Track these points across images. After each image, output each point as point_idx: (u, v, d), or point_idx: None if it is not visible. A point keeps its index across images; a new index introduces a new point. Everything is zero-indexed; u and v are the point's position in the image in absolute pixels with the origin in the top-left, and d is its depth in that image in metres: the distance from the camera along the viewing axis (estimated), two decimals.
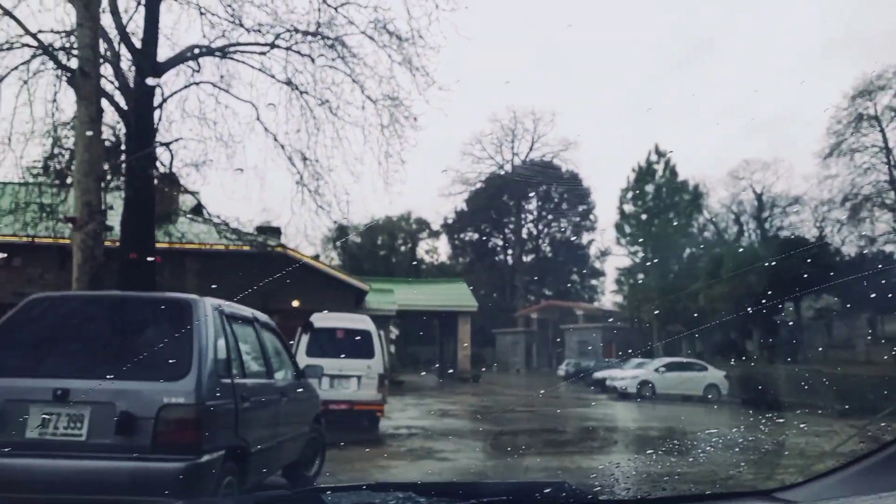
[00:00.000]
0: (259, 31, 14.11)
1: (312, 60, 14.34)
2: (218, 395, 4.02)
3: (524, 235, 54.99)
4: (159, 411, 3.65)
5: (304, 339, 10.93)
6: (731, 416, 17.18)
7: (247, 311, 5.22)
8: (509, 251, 55.78)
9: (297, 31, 14.16)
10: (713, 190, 42.57)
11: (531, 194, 54.19)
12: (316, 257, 25.29)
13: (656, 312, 30.68)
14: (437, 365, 34.60)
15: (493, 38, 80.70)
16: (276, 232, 22.12)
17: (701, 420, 15.37)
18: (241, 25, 13.99)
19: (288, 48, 14.28)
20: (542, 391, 24.31)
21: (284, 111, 15.38)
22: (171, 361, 3.86)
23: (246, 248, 16.35)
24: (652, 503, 1.39)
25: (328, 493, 1.60)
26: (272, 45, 14.22)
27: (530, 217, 55.79)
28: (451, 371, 30.25)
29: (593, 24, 77.54)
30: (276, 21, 13.98)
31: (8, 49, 11.92)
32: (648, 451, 8.78)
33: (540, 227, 55.59)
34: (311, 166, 14.69)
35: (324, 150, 14.73)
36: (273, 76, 14.48)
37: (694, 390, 21.83)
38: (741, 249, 34.11)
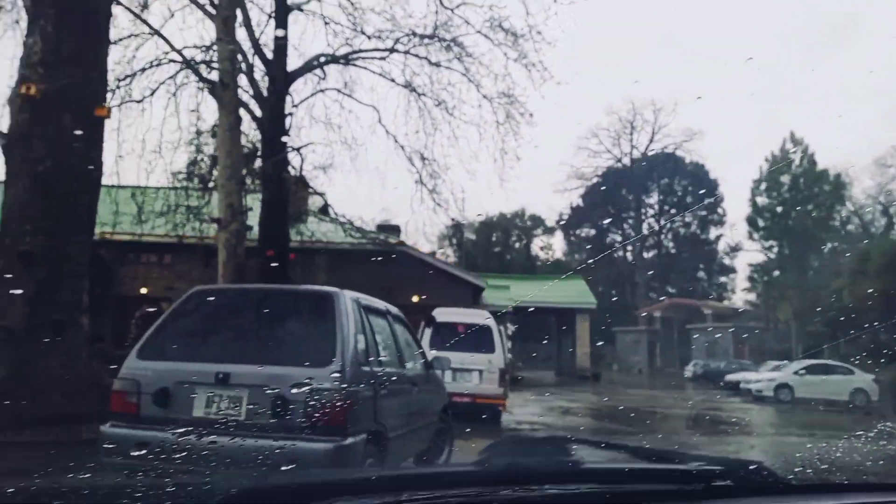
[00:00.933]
0: (379, 37, 14.61)
1: (430, 62, 14.64)
2: (359, 381, 4.20)
3: (644, 231, 53.10)
4: (308, 395, 3.87)
5: (427, 332, 11.18)
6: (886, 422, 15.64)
7: (380, 304, 5.42)
8: (629, 247, 54.05)
9: (414, 34, 14.52)
10: (857, 179, 38.95)
11: (652, 188, 52.18)
12: (433, 254, 25.77)
13: (795, 312, 28.53)
14: (554, 362, 34.17)
15: (609, 28, 78.41)
16: (395, 230, 22.79)
17: (851, 426, 14.15)
18: (363, 33, 14.56)
19: (406, 52, 14.67)
20: (671, 392, 23.36)
21: (404, 113, 15.78)
22: (317, 348, 4.09)
23: (369, 245, 17.00)
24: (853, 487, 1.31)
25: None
26: (391, 50, 14.65)
27: (651, 212, 53.76)
28: (569, 369, 29.80)
29: (718, 4, 73.33)
30: (395, 26, 14.41)
31: (157, 65, 13.13)
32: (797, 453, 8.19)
33: (662, 221, 53.41)
34: (429, 165, 15.03)
35: (441, 149, 15.04)
36: (392, 80, 14.94)
37: (838, 395, 20.17)
38: (892, 243, 31.00)
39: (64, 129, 7.55)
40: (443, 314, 12.10)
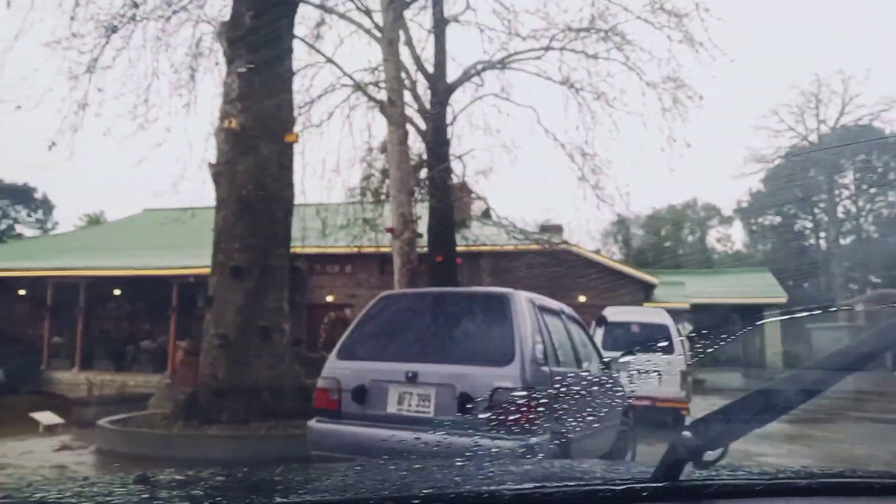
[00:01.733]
0: (534, 37, 14.59)
1: (587, 55, 14.36)
2: (539, 380, 4.26)
3: (840, 214, 47.61)
4: (492, 393, 4.00)
5: (599, 332, 10.95)
6: None
7: (554, 304, 5.43)
8: (821, 234, 48.77)
9: (570, 29, 14.31)
10: None
11: (846, 166, 46.67)
12: (597, 252, 25.16)
13: None
14: (741, 363, 31.72)
15: None
16: (557, 229, 22.57)
17: None
18: (518, 35, 14.64)
19: (562, 48, 14.50)
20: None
21: (562, 110, 15.61)
22: (496, 348, 4.21)
23: (532, 246, 17.02)
24: None
25: None
26: (547, 49, 14.57)
27: (846, 192, 48.09)
28: (758, 371, 27.49)
29: None
30: (550, 24, 14.31)
31: (331, 91, 14.25)
32: None
33: (860, 203, 47.56)
34: (590, 161, 14.70)
35: (602, 143, 14.68)
36: (549, 78, 14.85)
37: None
38: None
39: (261, 156, 8.49)
40: (615, 314, 11.78)
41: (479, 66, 15.11)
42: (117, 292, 21.18)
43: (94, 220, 39.85)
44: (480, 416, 4.02)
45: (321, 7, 13.25)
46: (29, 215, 44.64)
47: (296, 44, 11.24)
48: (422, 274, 12.76)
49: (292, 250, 15.12)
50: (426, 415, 4.18)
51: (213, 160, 8.89)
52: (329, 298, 21.04)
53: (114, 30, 11.10)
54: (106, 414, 8.76)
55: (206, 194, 11.05)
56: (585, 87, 14.48)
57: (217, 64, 11.04)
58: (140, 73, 11.47)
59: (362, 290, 19.73)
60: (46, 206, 44.99)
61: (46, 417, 9.47)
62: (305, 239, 15.59)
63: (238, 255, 8.27)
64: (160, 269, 18.67)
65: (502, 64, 15.17)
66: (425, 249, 14.36)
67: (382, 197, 15.86)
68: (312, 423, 4.66)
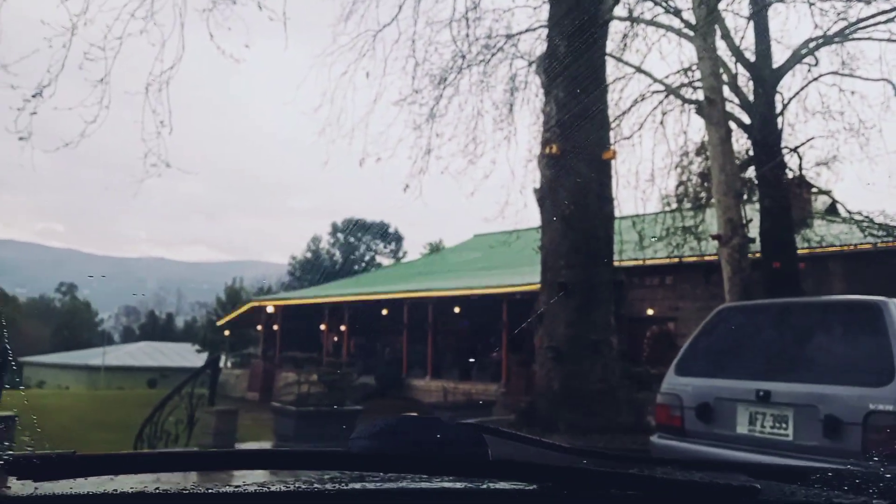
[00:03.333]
0: None
1: None
2: None
3: None
4: (866, 417, 3.51)
5: None
6: None
7: None
8: None
9: None
10: None
11: None
12: None
13: None
14: None
15: None
16: None
17: None
18: (861, 0, 12.57)
19: None
20: None
21: None
22: (869, 366, 3.68)
23: None
24: None
25: None
26: None
27: None
28: None
29: None
30: None
31: (640, 100, 14.01)
32: None
33: None
34: None
35: None
36: None
37: None
38: None
39: (581, 176, 8.82)
40: None
41: (812, 44, 13.36)
42: (456, 310, 23.75)
43: (435, 248, 45.47)
44: (852, 442, 3.56)
45: (629, 19, 13.22)
46: (385, 247, 53.12)
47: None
48: (756, 283, 11.68)
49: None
50: (783, 438, 3.84)
51: (537, 185, 9.51)
52: (650, 312, 20.48)
53: (445, 81, 12.70)
54: (458, 417, 9.90)
55: (528, 217, 11.91)
56: None
57: (537, 95, 11.80)
58: (467, 115, 12.88)
59: (686, 302, 18.76)
60: (398, 238, 53.04)
61: None
62: (623, 252, 15.52)
63: (564, 273, 8.67)
64: (491, 287, 20.41)
65: (842, 36, 13.17)
66: (758, 255, 13.12)
67: (703, 202, 14.98)
68: (655, 439, 4.63)
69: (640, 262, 17.42)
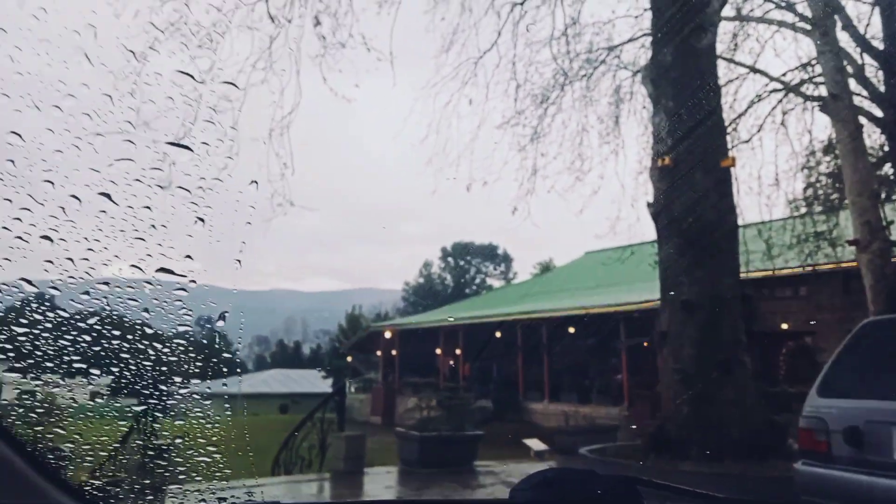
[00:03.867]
0: None
1: None
2: None
3: None
4: None
5: None
6: None
7: None
8: None
9: None
10: None
11: None
12: None
13: None
14: None
15: None
16: None
17: None
18: None
19: None
20: None
21: None
22: None
23: None
24: None
25: None
26: None
27: None
28: None
29: None
30: None
31: (757, 101, 13.23)
32: None
33: None
34: None
35: None
36: None
37: None
38: None
39: (697, 187, 8.46)
40: None
41: None
42: (571, 330, 23.28)
43: (545, 268, 45.02)
44: None
45: (738, 18, 12.63)
46: (494, 269, 53.23)
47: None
48: None
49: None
50: None
51: (650, 199, 9.22)
52: (784, 326, 19.07)
53: (548, 100, 12.67)
54: (581, 443, 9.67)
55: (641, 231, 11.56)
56: None
57: (644, 106, 11.51)
58: (572, 132, 12.78)
59: (824, 314, 17.31)
60: (507, 260, 53.03)
61: (535, 444, 10.95)
62: (749, 263, 14.62)
63: (687, 290, 8.30)
64: (607, 306, 19.86)
65: None
66: None
67: (835, 204, 13.89)
68: (799, 465, 4.31)
69: (770, 273, 16.28)
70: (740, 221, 13.23)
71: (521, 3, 12.39)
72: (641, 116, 11.95)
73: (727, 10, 12.10)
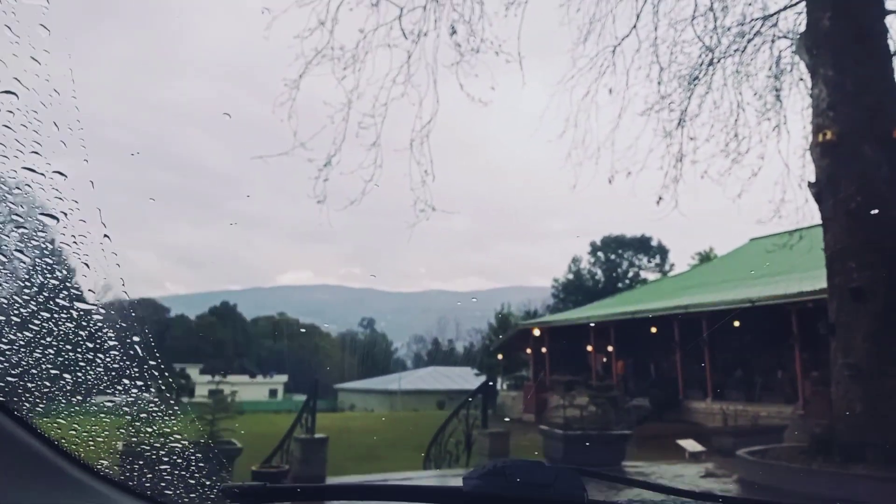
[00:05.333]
0: None
1: None
2: None
3: None
4: None
5: None
6: None
7: None
8: None
9: None
10: None
11: None
12: None
13: None
14: None
15: None
16: None
17: None
18: None
19: None
20: None
21: None
22: None
23: None
24: None
25: None
26: None
27: None
28: None
29: None
30: None
31: None
32: None
33: None
34: None
35: None
36: None
37: None
38: None
39: (866, 162, 7.55)
40: None
41: None
42: (736, 324, 21.73)
43: (705, 258, 42.36)
44: None
45: None
46: (649, 261, 50.97)
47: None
48: None
49: None
50: None
51: (813, 178, 8.38)
52: None
53: (695, 80, 11.95)
54: (742, 444, 9.02)
55: (811, 213, 10.44)
56: None
57: (801, 80, 10.52)
58: (725, 111, 11.92)
59: None
60: (662, 251, 50.54)
61: (691, 445, 10.38)
62: None
63: (857, 276, 7.44)
64: (774, 297, 18.32)
65: None
66: None
67: None
68: None
69: None
70: None
71: None
72: (805, 87, 10.89)
73: None
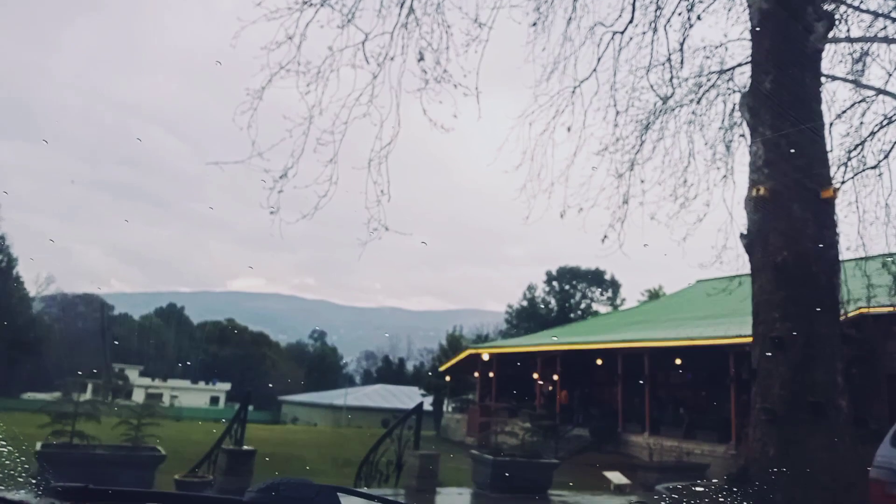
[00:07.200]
0: None
1: None
2: None
3: None
4: None
5: None
6: None
7: None
8: None
9: None
10: None
11: None
12: None
13: None
14: None
15: None
16: None
17: None
18: None
19: None
20: None
21: None
22: None
23: None
24: None
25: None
26: None
27: None
28: None
29: None
30: None
31: (887, 124, 12.25)
32: None
33: None
34: None
35: None
36: None
37: None
38: None
39: (794, 219, 8.02)
40: None
41: None
42: (677, 361, 22.32)
43: (654, 295, 43.39)
44: None
45: (858, 40, 11.86)
46: (601, 294, 51.93)
47: (836, 85, 10.30)
48: None
49: (855, 313, 13.28)
50: None
51: (745, 230, 8.84)
52: None
53: (648, 126, 12.45)
54: (665, 479, 9.32)
55: (748, 262, 10.96)
56: None
57: (742, 136, 11.09)
58: (676, 158, 12.43)
59: None
60: (615, 285, 51.61)
61: (616, 477, 10.67)
62: (872, 298, 13.44)
63: (779, 326, 7.87)
64: (714, 338, 18.94)
65: None
66: None
67: None
68: None
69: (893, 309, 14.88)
70: (862, 253, 12.23)
71: (622, 32, 12.32)
72: (746, 143, 11.48)
73: (855, 31, 11.41)
